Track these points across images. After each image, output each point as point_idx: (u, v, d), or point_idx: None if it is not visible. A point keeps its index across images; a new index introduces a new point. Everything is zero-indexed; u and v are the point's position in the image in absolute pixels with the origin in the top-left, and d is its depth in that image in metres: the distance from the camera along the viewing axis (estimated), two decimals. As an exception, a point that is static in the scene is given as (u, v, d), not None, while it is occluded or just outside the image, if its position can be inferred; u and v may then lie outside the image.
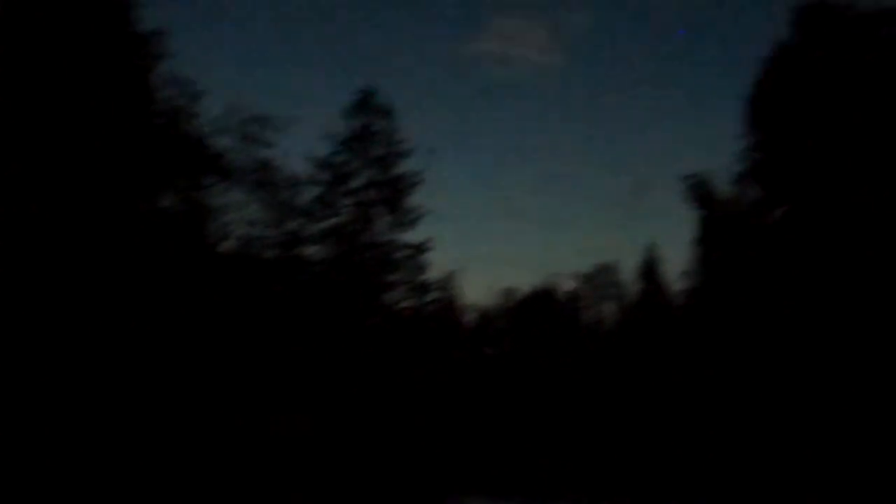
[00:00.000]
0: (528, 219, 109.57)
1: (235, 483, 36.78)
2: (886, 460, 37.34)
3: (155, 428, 33.21)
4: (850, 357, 39.76)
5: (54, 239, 31.91)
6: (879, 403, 38.85)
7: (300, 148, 55.39)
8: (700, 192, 51.33)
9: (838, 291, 40.49)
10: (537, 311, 74.86)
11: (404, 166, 53.15)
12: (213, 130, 42.33)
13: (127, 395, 32.47)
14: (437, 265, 55.47)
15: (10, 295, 30.40)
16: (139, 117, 36.98)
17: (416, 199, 53.09)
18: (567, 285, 77.64)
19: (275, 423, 40.71)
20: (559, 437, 62.06)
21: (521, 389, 66.76)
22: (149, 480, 32.37)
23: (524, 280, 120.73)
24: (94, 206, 33.51)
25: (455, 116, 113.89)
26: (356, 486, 42.86)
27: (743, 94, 46.41)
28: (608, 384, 64.16)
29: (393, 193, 52.70)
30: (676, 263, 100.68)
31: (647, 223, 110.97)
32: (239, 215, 45.34)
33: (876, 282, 39.95)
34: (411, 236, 53.04)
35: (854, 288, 40.18)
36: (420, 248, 52.82)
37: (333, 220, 51.64)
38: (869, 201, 41.05)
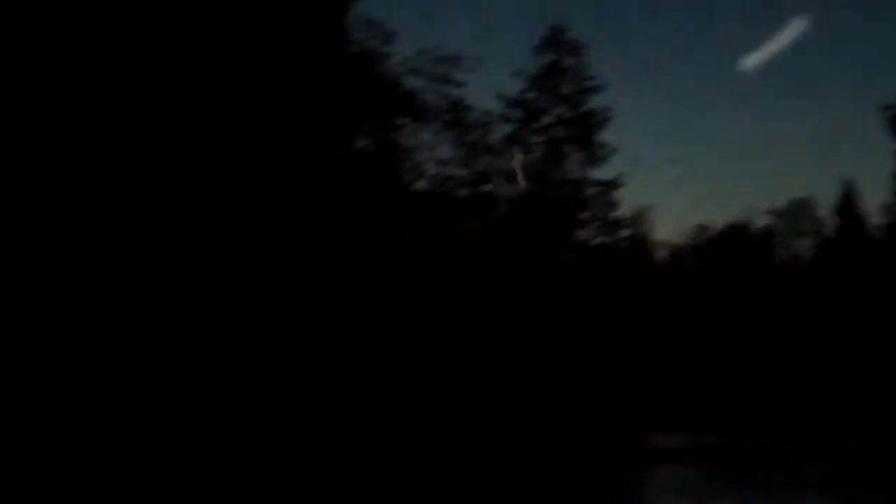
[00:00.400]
0: (720, 155, 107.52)
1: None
2: None
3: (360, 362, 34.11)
4: None
5: (251, 185, 32.87)
6: None
7: (491, 86, 55.69)
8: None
9: None
10: (730, 247, 73.78)
11: (594, 102, 52.97)
12: (404, 71, 42.94)
13: (329, 333, 33.39)
14: (628, 202, 55.24)
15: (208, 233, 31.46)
16: (334, 61, 37.70)
17: (606, 135, 52.95)
18: (761, 221, 76.27)
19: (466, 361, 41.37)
20: (754, 374, 61.30)
21: (714, 326, 66.09)
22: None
23: (717, 217, 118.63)
24: (291, 150, 34.39)
25: (644, 47, 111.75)
26: (552, 421, 43.31)
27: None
28: (803, 321, 62.98)
29: (583, 130, 52.59)
30: (876, 198, 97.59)
31: (844, 156, 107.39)
32: (431, 155, 46.01)
33: None
34: (602, 173, 52.98)
35: None
36: (611, 185, 52.67)
37: (524, 158, 51.88)
38: None
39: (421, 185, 45.70)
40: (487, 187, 49.80)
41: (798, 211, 75.74)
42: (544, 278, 47.88)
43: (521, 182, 44.76)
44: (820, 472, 36.83)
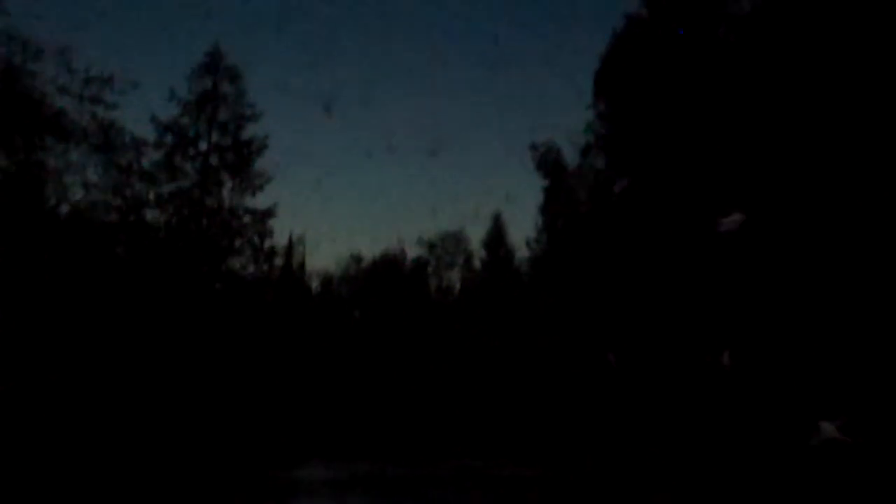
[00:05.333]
0: (375, 186, 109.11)
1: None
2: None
3: None
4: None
5: None
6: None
7: (145, 110, 54.36)
8: (548, 161, 51.92)
9: (673, 260, 41.29)
10: (384, 277, 74.98)
11: (251, 131, 52.64)
12: (52, 90, 41.13)
13: None
14: (282, 231, 55.10)
15: None
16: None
17: (262, 164, 52.64)
18: (414, 253, 77.85)
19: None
20: (408, 402, 62.47)
21: (368, 355, 66.90)
22: None
23: (373, 247, 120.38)
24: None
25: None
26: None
27: (593, 67, 47.03)
28: (455, 350, 64.71)
29: (239, 158, 52.12)
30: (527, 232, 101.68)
31: (497, 192, 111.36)
32: (79, 178, 44.22)
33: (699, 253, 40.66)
34: (257, 202, 52.61)
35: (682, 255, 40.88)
36: (265, 214, 52.42)
37: (177, 185, 50.81)
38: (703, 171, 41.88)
39: (66, 209, 43.81)
40: (137, 213, 48.40)
41: (449, 243, 77.78)
42: (193, 306, 47.01)
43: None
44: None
